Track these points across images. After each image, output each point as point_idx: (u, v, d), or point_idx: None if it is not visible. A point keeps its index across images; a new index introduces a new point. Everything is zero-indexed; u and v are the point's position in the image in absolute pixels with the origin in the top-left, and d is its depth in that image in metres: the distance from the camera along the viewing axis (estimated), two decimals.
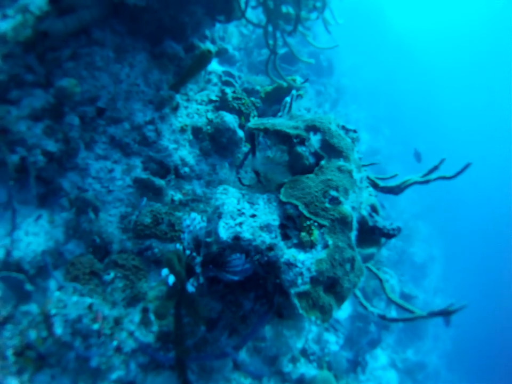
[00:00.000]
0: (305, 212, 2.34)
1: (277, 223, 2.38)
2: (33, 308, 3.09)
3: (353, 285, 2.46)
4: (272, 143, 2.75)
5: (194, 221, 2.91)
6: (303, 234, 2.33)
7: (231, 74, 4.63)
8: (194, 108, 4.32)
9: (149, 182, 3.83)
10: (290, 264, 2.24)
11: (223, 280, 3.13)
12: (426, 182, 3.01)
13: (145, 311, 3.42)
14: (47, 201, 3.68)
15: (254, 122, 2.72)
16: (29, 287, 3.07)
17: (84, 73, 3.59)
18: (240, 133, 4.25)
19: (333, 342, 5.60)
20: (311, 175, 2.53)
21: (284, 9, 3.90)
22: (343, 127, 2.77)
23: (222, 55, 4.63)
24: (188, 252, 2.85)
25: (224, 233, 2.33)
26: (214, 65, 4.88)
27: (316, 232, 2.31)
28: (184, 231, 2.91)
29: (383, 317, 2.76)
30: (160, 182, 3.86)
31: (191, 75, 3.86)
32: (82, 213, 3.43)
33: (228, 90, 4.36)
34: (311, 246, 2.31)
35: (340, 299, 2.37)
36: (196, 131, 4.20)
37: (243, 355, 4.94)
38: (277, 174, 2.67)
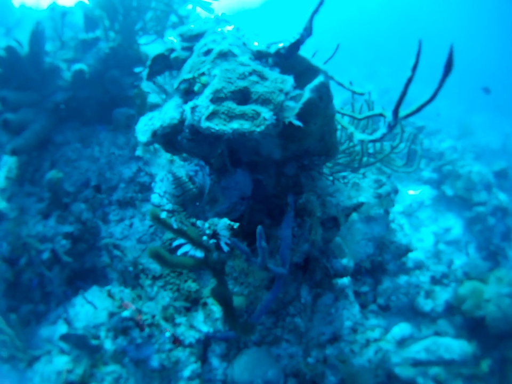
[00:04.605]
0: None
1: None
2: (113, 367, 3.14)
3: (279, 90, 2.37)
4: None
5: (163, 182, 3.06)
6: (195, 87, 2.40)
7: None
8: None
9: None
10: (193, 108, 2.28)
11: None
12: None
13: (204, 305, 3.37)
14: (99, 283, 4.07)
15: None
16: (94, 342, 3.22)
17: (67, 169, 4.25)
18: None
19: (459, 256, 4.79)
20: None
21: None
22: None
23: None
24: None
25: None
26: None
27: (203, 78, 2.38)
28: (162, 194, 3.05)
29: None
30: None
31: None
32: (114, 258, 3.72)
33: None
34: (203, 86, 2.35)
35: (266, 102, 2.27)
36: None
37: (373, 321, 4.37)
38: None
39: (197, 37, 2.79)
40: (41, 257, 3.84)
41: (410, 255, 4.97)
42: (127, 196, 4.29)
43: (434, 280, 4.73)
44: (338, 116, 3.40)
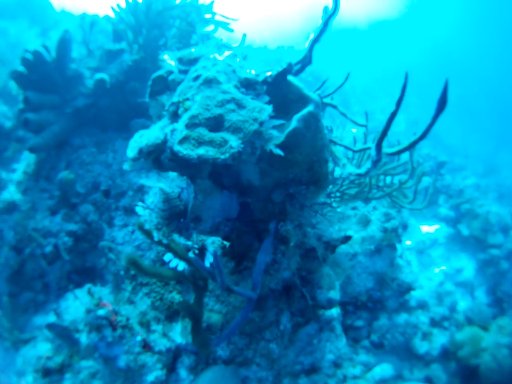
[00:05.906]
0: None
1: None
2: (91, 362, 3.27)
3: (253, 119, 2.41)
4: None
5: (156, 196, 3.17)
6: (179, 111, 2.49)
7: None
8: None
9: None
10: (172, 131, 2.37)
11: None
12: None
13: (183, 317, 3.42)
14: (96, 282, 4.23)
15: None
16: (77, 335, 3.36)
17: (80, 171, 4.47)
18: None
19: (467, 299, 4.57)
20: None
21: None
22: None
23: None
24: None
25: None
26: None
27: (186, 103, 2.48)
28: (150, 207, 3.16)
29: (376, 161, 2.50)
30: None
31: None
32: (109, 261, 3.86)
33: None
34: (185, 111, 2.44)
35: (237, 131, 2.33)
36: None
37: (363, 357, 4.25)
38: None
39: (195, 60, 2.89)
40: (43, 250, 4.05)
41: (415, 293, 4.81)
42: (133, 203, 4.45)
43: (434, 322, 4.55)
44: (336, 147, 3.40)
